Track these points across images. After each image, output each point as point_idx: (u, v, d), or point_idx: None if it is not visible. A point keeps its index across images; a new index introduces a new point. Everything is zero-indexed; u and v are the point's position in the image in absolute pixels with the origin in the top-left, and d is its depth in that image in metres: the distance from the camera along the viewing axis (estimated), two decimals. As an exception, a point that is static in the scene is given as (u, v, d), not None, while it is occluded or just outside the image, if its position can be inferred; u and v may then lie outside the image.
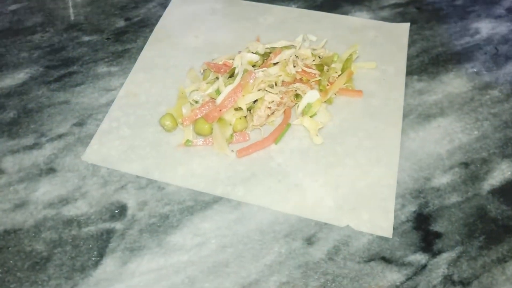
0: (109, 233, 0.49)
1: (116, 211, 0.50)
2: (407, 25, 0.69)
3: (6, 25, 0.70)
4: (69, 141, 0.56)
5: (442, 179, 0.53)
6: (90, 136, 0.56)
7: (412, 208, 0.51)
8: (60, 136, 0.57)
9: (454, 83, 0.62)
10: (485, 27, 0.69)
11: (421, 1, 0.73)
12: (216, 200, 0.51)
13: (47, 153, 0.55)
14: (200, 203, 0.51)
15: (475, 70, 0.64)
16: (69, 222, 0.49)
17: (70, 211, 0.50)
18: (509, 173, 0.53)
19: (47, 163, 0.54)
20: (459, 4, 0.73)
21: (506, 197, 0.51)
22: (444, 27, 0.69)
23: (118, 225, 0.49)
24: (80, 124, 0.58)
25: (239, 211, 0.50)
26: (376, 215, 0.50)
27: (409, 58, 0.65)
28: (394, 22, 0.70)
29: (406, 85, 0.62)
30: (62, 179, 0.53)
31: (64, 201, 0.51)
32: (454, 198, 0.51)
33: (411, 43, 0.67)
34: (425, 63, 0.65)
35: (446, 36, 0.68)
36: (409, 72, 0.63)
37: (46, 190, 0.52)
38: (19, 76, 0.63)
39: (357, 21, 0.70)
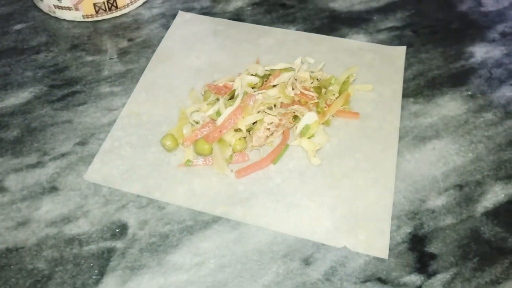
0: (110, 252, 0.49)
1: (117, 230, 0.51)
2: (403, 48, 0.71)
3: (11, 44, 0.71)
4: (72, 160, 0.57)
5: (437, 201, 0.54)
6: (92, 155, 0.57)
7: (407, 229, 0.52)
8: (62, 155, 0.58)
9: (449, 106, 0.64)
10: (479, 51, 0.71)
11: (418, 25, 0.75)
12: (216, 220, 0.52)
13: (50, 172, 0.56)
14: (200, 223, 0.52)
15: (469, 93, 0.65)
16: (70, 240, 0.50)
17: (71, 229, 0.51)
18: (503, 195, 0.54)
19: (50, 181, 0.55)
20: (454, 28, 0.74)
21: (499, 219, 0.52)
22: (439, 50, 0.71)
23: (119, 244, 0.50)
24: (82, 143, 0.59)
25: (238, 231, 0.51)
26: (373, 236, 0.51)
27: (405, 81, 0.66)
28: (390, 45, 0.71)
29: (402, 107, 0.63)
30: (64, 198, 0.54)
31: (66, 219, 0.52)
32: (448, 220, 0.52)
33: (408, 66, 0.69)
34: (421, 86, 0.66)
35: (441, 60, 0.69)
36: (405, 95, 0.65)
37: (48, 208, 0.53)
38: (23, 95, 0.64)
39: (354, 44, 0.71)
